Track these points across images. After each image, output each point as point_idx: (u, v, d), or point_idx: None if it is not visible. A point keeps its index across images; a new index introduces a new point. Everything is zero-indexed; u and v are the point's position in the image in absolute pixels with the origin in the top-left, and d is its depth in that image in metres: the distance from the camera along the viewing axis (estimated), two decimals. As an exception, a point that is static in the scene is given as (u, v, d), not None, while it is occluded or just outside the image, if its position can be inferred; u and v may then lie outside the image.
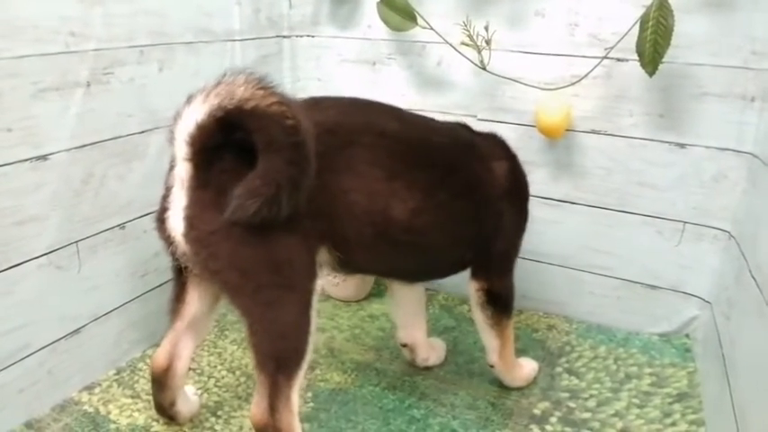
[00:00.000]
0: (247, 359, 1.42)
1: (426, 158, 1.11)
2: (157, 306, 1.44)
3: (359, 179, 1.02)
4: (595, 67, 1.36)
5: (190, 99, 0.91)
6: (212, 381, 1.35)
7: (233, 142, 0.91)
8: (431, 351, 1.41)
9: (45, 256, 1.16)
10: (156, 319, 1.44)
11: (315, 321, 1.00)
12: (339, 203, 1.01)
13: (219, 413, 1.25)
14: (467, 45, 1.42)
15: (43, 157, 1.13)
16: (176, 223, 0.94)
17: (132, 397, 1.29)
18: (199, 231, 0.93)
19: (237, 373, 1.38)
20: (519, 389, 1.33)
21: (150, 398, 1.20)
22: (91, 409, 1.24)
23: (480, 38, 1.41)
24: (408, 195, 1.06)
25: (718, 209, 1.39)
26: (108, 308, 1.33)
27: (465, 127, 1.27)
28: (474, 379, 1.37)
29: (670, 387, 1.35)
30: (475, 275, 1.24)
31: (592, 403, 1.30)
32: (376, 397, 1.30)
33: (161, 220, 0.98)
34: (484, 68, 1.45)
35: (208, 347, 1.46)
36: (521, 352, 1.44)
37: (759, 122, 1.29)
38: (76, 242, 1.22)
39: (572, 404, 1.29)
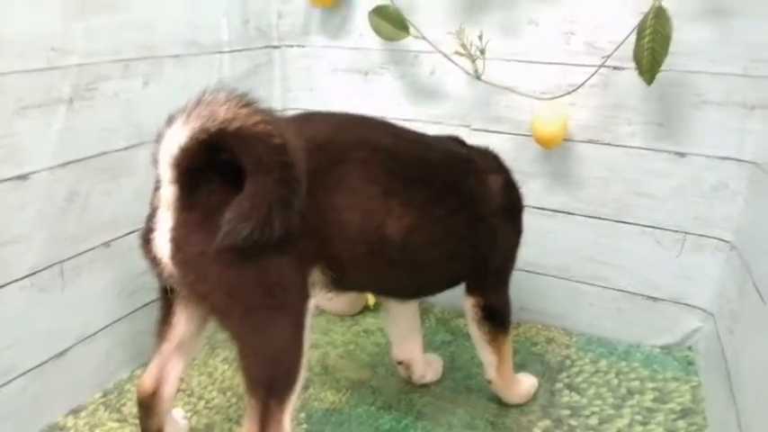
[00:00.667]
0: (239, 379, 1.38)
1: (421, 174, 1.08)
2: (145, 325, 1.40)
3: (352, 197, 0.99)
4: (592, 75, 1.34)
5: (171, 120, 0.87)
6: (202, 402, 1.32)
7: (219, 161, 0.88)
8: (427, 368, 1.37)
9: (28, 278, 1.13)
10: (143, 339, 1.40)
11: (308, 343, 0.97)
12: (332, 222, 0.98)
13: (210, 437, 1.22)
14: (460, 54, 1.40)
15: (25, 176, 1.10)
16: (162, 245, 0.91)
17: (119, 420, 1.25)
18: (186, 254, 0.90)
19: (228, 393, 1.34)
20: (518, 406, 1.30)
21: (138, 421, 1.17)
22: (77, 435, 1.21)
23: (474, 47, 1.39)
24: (404, 213, 1.03)
25: (720, 219, 1.37)
26: (94, 328, 1.29)
27: (458, 141, 1.25)
28: (472, 395, 1.33)
29: (673, 402, 1.31)
30: (470, 291, 1.21)
31: (594, 421, 1.26)
32: (371, 417, 1.27)
33: (146, 240, 0.95)
34: (478, 78, 1.42)
35: (198, 367, 1.42)
36: (519, 366, 1.40)
37: (760, 131, 1.27)
38: (61, 262, 1.19)
39: (573, 422, 1.26)
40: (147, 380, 1.08)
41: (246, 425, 0.95)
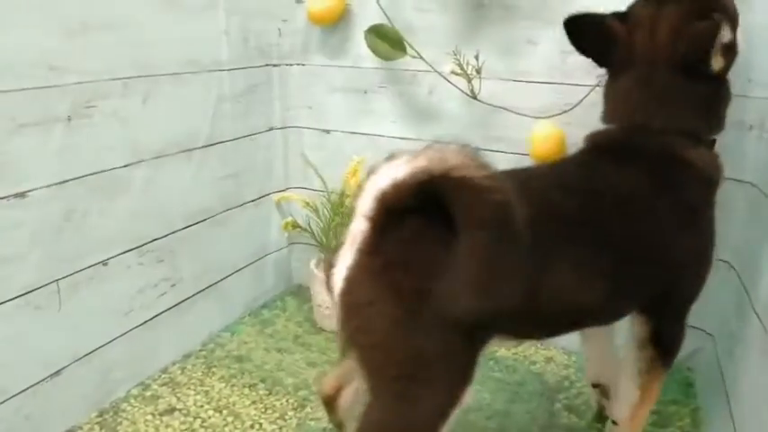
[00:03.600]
0: (235, 397, 1.38)
1: (605, 225, 0.95)
2: (143, 343, 1.40)
3: (551, 269, 0.88)
4: (588, 94, 1.34)
5: (392, 157, 0.83)
6: (198, 421, 1.31)
7: (418, 210, 0.81)
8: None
9: (23, 297, 1.13)
10: (141, 358, 1.40)
11: None
12: (532, 298, 0.86)
13: (205, 457, 1.21)
14: (457, 74, 1.40)
15: (22, 194, 1.10)
16: (338, 281, 0.86)
17: (115, 441, 1.24)
18: (355, 297, 0.84)
19: (225, 412, 1.33)
20: (516, 426, 1.28)
21: None
22: (71, 455, 1.20)
23: (471, 66, 1.39)
24: (600, 279, 0.92)
25: (718, 240, 1.35)
26: (90, 347, 1.28)
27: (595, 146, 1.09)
28: (470, 414, 1.32)
29: (673, 426, 1.30)
30: (644, 307, 1.06)
31: (592, 443, 1.25)
32: (368, 438, 1.26)
33: (328, 275, 0.89)
34: (474, 97, 1.42)
35: (194, 385, 1.42)
36: (518, 385, 1.40)
37: (757, 151, 1.26)
38: (57, 280, 1.18)
39: (572, 444, 1.25)
40: (327, 384, 1.08)
41: None
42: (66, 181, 1.17)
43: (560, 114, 1.38)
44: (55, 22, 1.12)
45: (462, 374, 0.86)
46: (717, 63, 0.99)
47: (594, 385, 1.27)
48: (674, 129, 1.01)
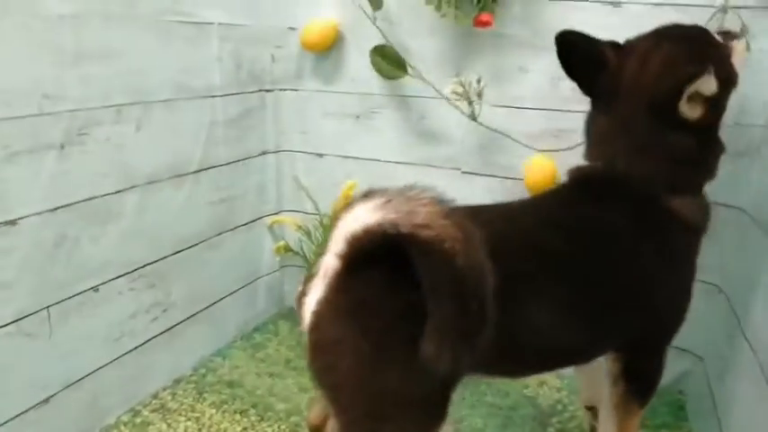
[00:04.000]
0: (227, 423, 1.37)
1: (586, 263, 0.95)
2: (134, 369, 1.39)
3: (526, 314, 0.88)
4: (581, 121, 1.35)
5: (369, 195, 0.82)
6: (189, 449, 1.30)
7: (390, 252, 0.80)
8: None
9: (14, 324, 1.12)
10: (131, 383, 1.39)
11: None
12: (505, 341, 0.84)
13: (195, 486, 1.20)
14: (457, 98, 1.41)
15: (12, 222, 1.10)
16: (308, 313, 0.86)
17: (104, 469, 1.23)
18: (322, 335, 0.83)
19: (216, 439, 1.33)
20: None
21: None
22: (60, 484, 1.19)
23: (472, 89, 1.41)
24: (579, 321, 0.92)
25: (708, 262, 1.36)
26: (81, 374, 1.27)
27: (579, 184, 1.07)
28: (462, 443, 1.32)
29: (665, 451, 1.30)
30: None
31: (584, 469, 1.25)
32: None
33: (300, 301, 0.89)
34: (474, 119, 1.43)
35: (185, 411, 1.41)
36: (510, 409, 1.39)
37: (748, 177, 1.28)
38: (47, 307, 1.18)
39: (564, 470, 1.24)
40: (314, 413, 1.07)
41: None
42: (58, 208, 1.17)
43: (552, 140, 1.39)
44: (49, 50, 1.13)
45: (434, 413, 0.85)
46: (692, 112, 0.95)
47: (588, 408, 1.26)
48: (655, 178, 0.98)
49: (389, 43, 1.49)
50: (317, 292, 0.84)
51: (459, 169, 1.54)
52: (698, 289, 1.38)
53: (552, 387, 1.52)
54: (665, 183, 0.99)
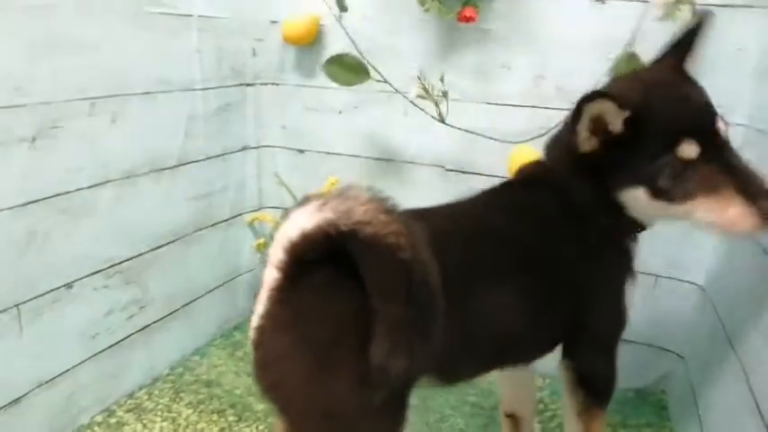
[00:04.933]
0: (203, 424, 1.34)
1: (527, 253, 0.95)
2: (110, 367, 1.36)
3: (477, 302, 0.88)
4: (562, 118, 1.34)
5: (303, 202, 0.79)
6: (165, 450, 1.27)
7: (330, 258, 0.77)
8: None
9: (-18, 322, 1.09)
10: (106, 382, 1.36)
11: None
12: (457, 332, 0.83)
13: (170, 487, 1.17)
14: (423, 98, 1.39)
15: (-19, 217, 1.07)
16: (251, 329, 0.82)
17: (76, 470, 1.20)
18: (266, 351, 0.80)
19: (192, 440, 1.30)
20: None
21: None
22: (30, 486, 1.16)
23: (437, 90, 1.38)
24: (524, 305, 0.93)
25: (691, 263, 1.37)
26: (54, 372, 1.24)
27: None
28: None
29: (646, 450, 1.30)
30: (566, 352, 1.06)
31: (566, 469, 1.24)
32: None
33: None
34: (442, 121, 1.41)
35: (161, 411, 1.38)
36: (491, 409, 1.38)
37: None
38: (17, 305, 1.15)
39: (545, 470, 1.23)
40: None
41: None
42: (29, 203, 1.14)
43: (534, 138, 1.38)
44: (20, 41, 1.09)
45: (393, 421, 0.82)
46: (587, 143, 0.92)
47: (507, 415, 1.24)
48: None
49: (356, 43, 1.47)
50: (259, 307, 0.81)
51: (442, 167, 1.53)
52: (681, 289, 1.39)
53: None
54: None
